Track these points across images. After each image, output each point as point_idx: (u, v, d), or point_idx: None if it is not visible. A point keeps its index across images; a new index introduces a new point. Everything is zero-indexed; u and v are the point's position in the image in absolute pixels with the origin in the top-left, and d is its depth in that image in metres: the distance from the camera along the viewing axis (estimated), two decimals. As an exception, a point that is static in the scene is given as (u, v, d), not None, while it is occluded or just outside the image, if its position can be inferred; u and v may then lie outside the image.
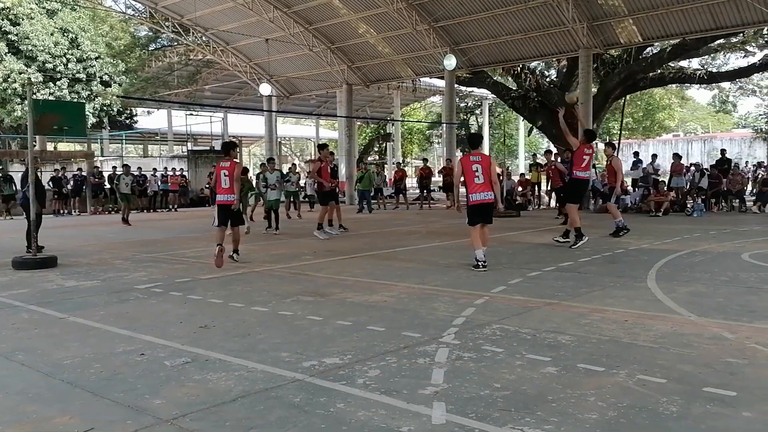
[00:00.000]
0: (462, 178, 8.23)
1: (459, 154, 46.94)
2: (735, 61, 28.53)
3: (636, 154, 22.64)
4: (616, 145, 15.35)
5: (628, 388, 3.60)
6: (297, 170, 21.84)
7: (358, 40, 25.23)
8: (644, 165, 20.12)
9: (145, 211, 23.24)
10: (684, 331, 4.85)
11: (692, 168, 20.62)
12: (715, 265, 8.05)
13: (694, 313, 5.40)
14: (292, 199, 18.82)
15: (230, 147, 9.26)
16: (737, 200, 18.37)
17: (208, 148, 35.42)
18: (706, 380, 3.71)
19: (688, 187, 19.21)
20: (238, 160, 9.39)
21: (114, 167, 25.71)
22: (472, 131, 47.99)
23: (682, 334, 4.74)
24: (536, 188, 22.16)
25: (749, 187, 23.00)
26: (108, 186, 23.90)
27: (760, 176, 21.55)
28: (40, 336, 5.06)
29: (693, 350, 4.33)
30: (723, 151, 20.61)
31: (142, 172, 24.06)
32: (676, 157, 19.76)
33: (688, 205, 17.70)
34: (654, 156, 20.94)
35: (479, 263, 7.97)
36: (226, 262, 8.63)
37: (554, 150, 17.84)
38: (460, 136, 43.47)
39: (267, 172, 14.65)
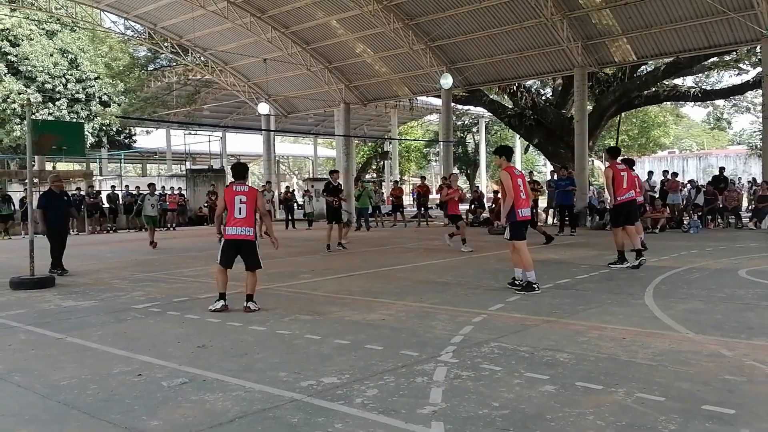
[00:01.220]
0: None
1: (456, 171, 47.11)
2: (729, 78, 28.80)
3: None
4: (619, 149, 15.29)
5: (626, 407, 3.60)
6: (271, 188, 22.64)
7: (356, 59, 25.45)
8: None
9: (142, 230, 23.22)
10: (682, 348, 4.85)
11: (688, 185, 20.71)
12: (713, 282, 8.06)
13: (692, 331, 5.40)
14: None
15: (246, 170, 7.36)
16: (733, 217, 18.43)
17: (206, 167, 35.48)
18: (705, 398, 3.71)
19: (684, 203, 19.28)
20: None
21: (113, 186, 25.76)
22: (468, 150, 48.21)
23: (680, 352, 4.74)
24: (534, 205, 22.19)
25: (745, 204, 23.07)
26: (106, 205, 23.90)
27: (755, 193, 21.63)
28: (37, 357, 5.04)
29: (691, 368, 4.33)
30: (722, 169, 20.70)
31: (140, 191, 24.05)
32: (673, 174, 19.85)
33: (685, 222, 17.75)
34: (650, 173, 21.04)
35: (535, 285, 7.46)
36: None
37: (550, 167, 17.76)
38: (457, 154, 43.68)
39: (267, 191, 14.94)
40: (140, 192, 24.26)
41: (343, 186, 16.24)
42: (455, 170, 32.27)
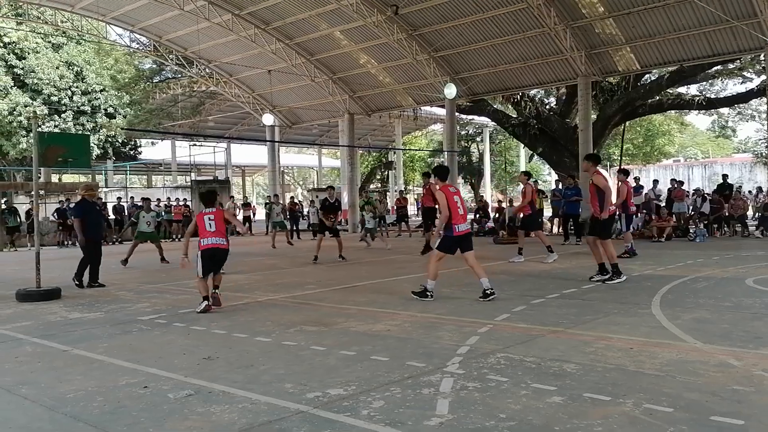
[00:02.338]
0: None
1: (461, 181, 47.15)
2: (733, 87, 28.81)
3: (636, 179, 22.71)
4: (628, 171, 15.26)
5: (635, 418, 3.57)
6: (281, 201, 22.63)
7: (360, 70, 25.55)
8: (646, 191, 20.17)
9: (147, 241, 23.28)
10: (690, 358, 4.82)
11: (693, 193, 20.66)
12: (719, 291, 8.02)
13: (700, 340, 5.37)
14: (278, 229, 19.70)
15: (214, 196, 8.10)
16: (739, 225, 18.36)
17: (211, 178, 35.62)
18: (713, 408, 3.68)
19: (690, 212, 19.22)
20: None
21: (119, 198, 25.82)
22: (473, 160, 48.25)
23: (688, 362, 4.71)
24: (540, 213, 22.15)
25: (751, 212, 23.00)
26: (112, 216, 23.97)
27: (761, 201, 21.58)
28: (44, 369, 5.05)
29: (699, 378, 4.30)
30: (725, 177, 20.66)
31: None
32: (679, 183, 19.80)
33: (691, 231, 17.69)
34: (655, 182, 21.00)
35: (429, 293, 7.90)
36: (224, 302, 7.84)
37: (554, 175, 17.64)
38: (461, 164, 43.74)
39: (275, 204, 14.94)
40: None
41: (342, 200, 16.29)
42: (460, 180, 32.17)
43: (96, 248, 10.37)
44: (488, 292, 7.73)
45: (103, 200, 25.52)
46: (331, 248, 14.18)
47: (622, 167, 17.02)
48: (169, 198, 26.42)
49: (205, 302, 7.50)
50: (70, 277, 10.39)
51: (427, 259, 8.50)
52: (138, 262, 13.62)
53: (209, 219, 7.82)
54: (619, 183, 13.02)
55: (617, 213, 10.91)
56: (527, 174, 13.33)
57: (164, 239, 23.60)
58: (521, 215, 12.87)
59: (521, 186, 13.13)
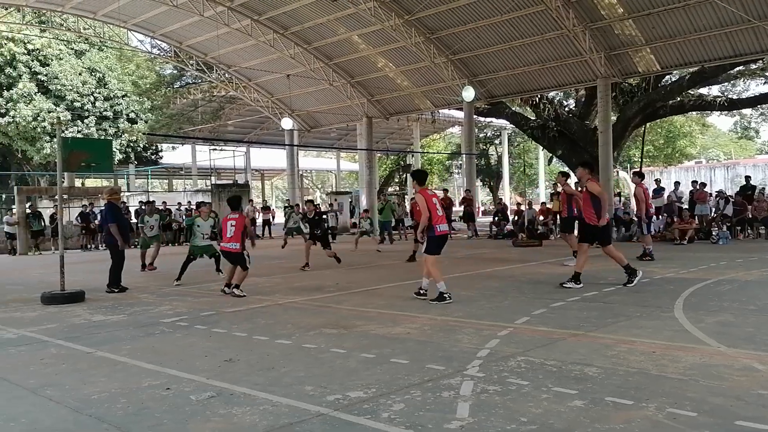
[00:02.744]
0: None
1: (479, 183, 46.96)
2: (756, 87, 28.38)
3: (657, 181, 22.46)
4: (644, 174, 14.99)
5: (658, 422, 3.54)
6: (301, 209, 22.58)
7: (378, 74, 25.61)
8: (668, 193, 19.95)
9: (169, 244, 23.50)
10: (713, 362, 4.76)
11: (716, 195, 20.38)
12: (743, 294, 7.91)
13: (724, 344, 5.30)
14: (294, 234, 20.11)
15: (239, 201, 9.83)
16: (763, 227, 18.07)
17: (231, 181, 35.87)
18: (738, 413, 3.63)
19: (712, 214, 18.96)
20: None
21: (141, 202, 26.11)
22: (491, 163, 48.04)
23: (712, 366, 4.65)
24: (558, 217, 22.02)
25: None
26: (134, 220, 24.22)
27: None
28: (68, 371, 5.12)
29: (723, 382, 4.24)
30: (747, 178, 20.36)
31: (167, 206, 24.42)
32: (701, 185, 19.54)
33: (713, 233, 17.45)
34: (677, 183, 20.76)
35: (446, 295, 7.94)
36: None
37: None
38: (480, 167, 43.61)
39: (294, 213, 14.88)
40: (167, 207, 24.62)
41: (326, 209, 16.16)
42: (478, 183, 32.02)
43: (123, 253, 10.36)
44: (445, 295, 7.88)
45: (126, 204, 25.84)
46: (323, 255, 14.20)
47: (636, 170, 16.80)
48: (189, 202, 26.60)
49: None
50: (94, 280, 10.54)
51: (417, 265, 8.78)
52: (159, 265, 13.74)
53: (231, 225, 9.30)
54: (635, 186, 12.90)
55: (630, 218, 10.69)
56: (565, 174, 12.95)
57: (186, 242, 23.81)
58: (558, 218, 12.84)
59: (559, 187, 12.97)
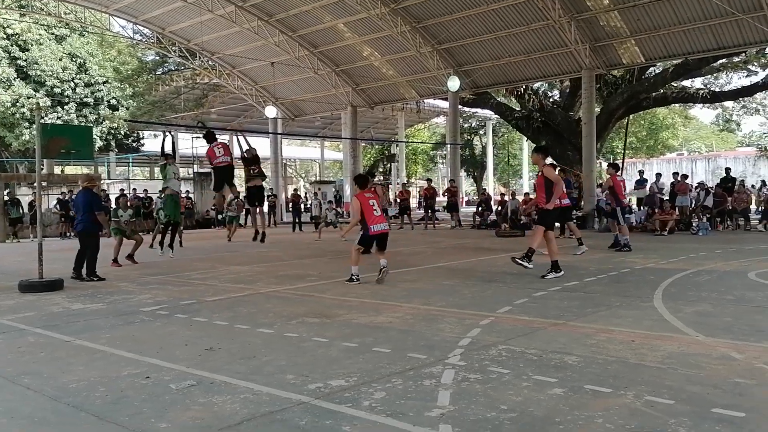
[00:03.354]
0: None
1: (463, 174, 47.01)
2: (738, 80, 28.68)
3: (641, 172, 22.66)
4: (619, 165, 15.16)
5: (636, 410, 3.57)
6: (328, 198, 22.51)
7: (363, 62, 25.49)
8: (649, 184, 20.14)
9: (150, 233, 23.30)
10: (691, 351, 4.82)
11: (697, 187, 20.61)
12: (722, 285, 8.01)
13: (702, 333, 5.37)
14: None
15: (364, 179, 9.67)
16: (742, 219, 18.32)
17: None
18: (715, 401, 3.68)
19: (693, 205, 19.17)
20: None
21: (121, 189, 25.86)
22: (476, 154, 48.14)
23: (690, 354, 4.71)
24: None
25: (754, 206, 22.94)
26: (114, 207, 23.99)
27: (764, 194, 21.53)
28: (46, 359, 5.06)
29: (701, 371, 4.30)
30: (728, 170, 20.61)
31: (148, 194, 24.20)
32: (682, 176, 19.74)
33: (693, 224, 17.65)
34: (658, 175, 20.95)
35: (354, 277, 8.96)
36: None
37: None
38: (464, 157, 43.66)
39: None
40: (148, 195, 24.39)
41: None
42: (462, 173, 31.91)
43: (98, 240, 10.28)
44: (354, 278, 8.91)
45: (107, 192, 25.56)
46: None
47: (612, 162, 17.01)
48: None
49: None
50: (73, 267, 10.39)
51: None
52: (138, 255, 13.61)
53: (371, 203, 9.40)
54: (609, 177, 13.24)
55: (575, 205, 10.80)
56: (554, 166, 13.27)
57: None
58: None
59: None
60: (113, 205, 20.27)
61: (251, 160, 12.59)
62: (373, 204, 8.90)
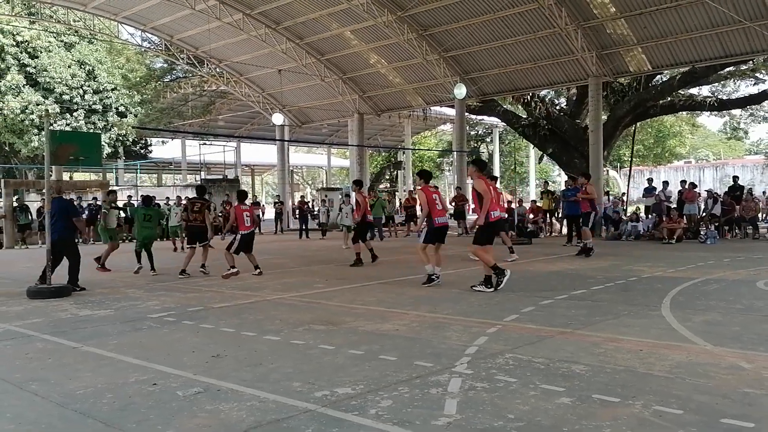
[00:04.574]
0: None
1: (470, 182, 47.01)
2: (746, 88, 28.56)
3: (650, 180, 22.60)
4: (590, 175, 15.57)
5: (644, 420, 3.55)
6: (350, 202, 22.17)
7: (370, 70, 25.56)
8: (656, 192, 20.06)
9: (158, 239, 23.35)
10: (700, 360, 4.79)
11: (705, 195, 20.52)
12: (730, 293, 7.96)
13: (710, 343, 5.33)
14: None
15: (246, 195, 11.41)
16: (750, 227, 18.22)
17: (221, 176, 35.74)
18: (724, 411, 3.65)
19: (700, 214, 19.09)
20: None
21: (129, 196, 25.97)
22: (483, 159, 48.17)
23: (698, 364, 4.68)
24: (548, 215, 22.12)
25: (762, 214, 22.82)
26: (123, 215, 24.05)
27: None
28: (54, 366, 5.08)
29: (709, 380, 4.27)
30: (735, 178, 20.52)
31: (156, 201, 24.28)
32: (690, 185, 19.66)
33: (701, 233, 17.57)
34: (665, 183, 20.88)
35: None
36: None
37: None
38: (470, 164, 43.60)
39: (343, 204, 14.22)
40: (156, 202, 24.44)
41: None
42: (469, 181, 31.95)
43: (76, 248, 10.00)
44: (433, 277, 9.18)
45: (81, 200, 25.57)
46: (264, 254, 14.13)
47: (584, 171, 17.17)
48: (178, 197, 26.46)
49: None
50: (83, 274, 10.40)
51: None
52: (145, 260, 13.64)
53: (246, 215, 10.98)
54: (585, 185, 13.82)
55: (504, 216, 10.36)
56: (494, 178, 13.79)
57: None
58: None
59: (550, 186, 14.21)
60: (121, 213, 20.08)
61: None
62: (436, 198, 9.30)
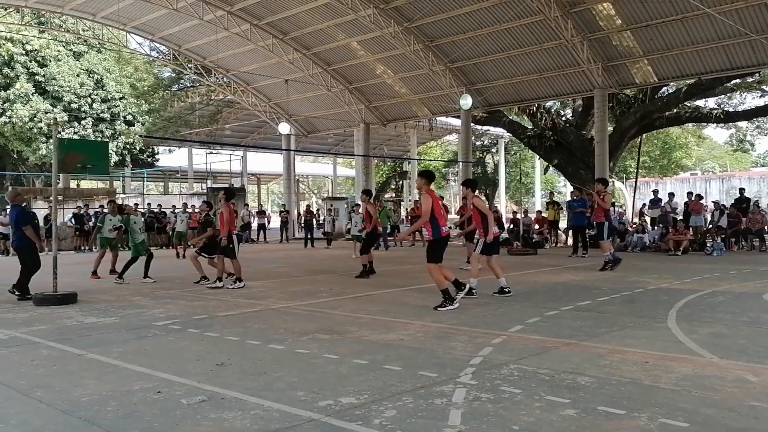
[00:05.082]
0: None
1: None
2: (752, 100, 28.54)
3: (655, 192, 22.54)
4: (606, 181, 14.79)
5: (649, 432, 3.53)
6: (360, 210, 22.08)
7: (376, 80, 25.67)
8: (662, 203, 20.01)
9: (164, 247, 23.44)
10: (706, 373, 4.76)
11: (711, 206, 20.45)
12: (737, 306, 7.92)
13: (716, 355, 5.30)
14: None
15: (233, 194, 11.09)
16: (757, 239, 18.13)
17: (227, 185, 35.85)
18: (730, 424, 3.63)
19: (707, 225, 19.01)
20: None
21: (136, 204, 26.04)
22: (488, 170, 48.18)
23: (705, 377, 4.65)
24: (553, 226, 22.08)
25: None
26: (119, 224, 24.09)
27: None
28: (59, 373, 5.09)
29: (716, 393, 4.24)
30: (741, 190, 20.45)
31: (162, 209, 24.39)
32: (697, 196, 19.61)
33: (708, 244, 17.49)
34: (671, 195, 20.82)
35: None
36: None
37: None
38: (476, 175, 43.64)
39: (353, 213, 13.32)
40: (162, 210, 24.56)
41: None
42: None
43: (38, 258, 9.90)
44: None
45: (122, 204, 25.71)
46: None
47: (599, 177, 16.83)
48: (185, 204, 26.56)
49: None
50: (89, 282, 10.48)
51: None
52: (152, 269, 13.68)
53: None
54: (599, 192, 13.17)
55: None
56: (604, 182, 13.81)
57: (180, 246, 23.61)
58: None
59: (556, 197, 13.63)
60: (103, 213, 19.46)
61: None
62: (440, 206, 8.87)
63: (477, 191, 9.43)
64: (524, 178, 50.44)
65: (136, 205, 23.81)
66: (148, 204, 27.08)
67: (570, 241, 20.23)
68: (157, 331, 6.84)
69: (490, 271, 9.28)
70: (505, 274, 9.31)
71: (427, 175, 8.56)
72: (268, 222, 29.18)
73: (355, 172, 32.87)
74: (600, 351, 5.51)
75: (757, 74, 22.12)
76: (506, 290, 9.01)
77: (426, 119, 29.72)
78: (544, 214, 22.81)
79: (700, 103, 25.90)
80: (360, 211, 15.58)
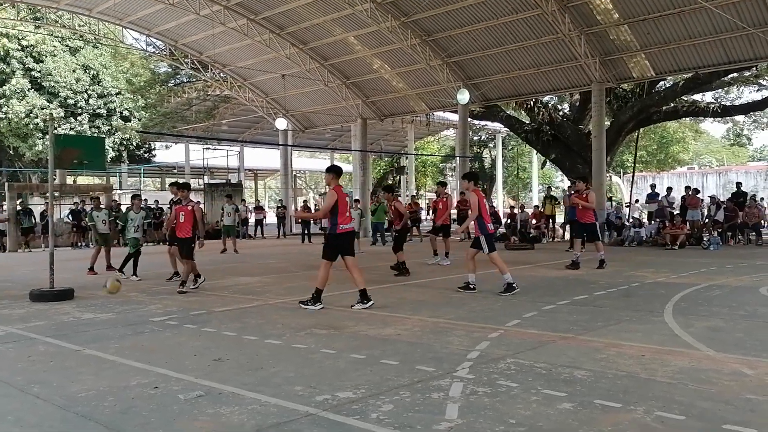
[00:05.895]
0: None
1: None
2: (749, 94, 28.58)
3: (653, 186, 22.57)
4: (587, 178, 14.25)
5: (646, 425, 3.54)
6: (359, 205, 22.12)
7: (373, 75, 25.61)
8: (659, 198, 20.05)
9: (162, 243, 23.39)
10: (702, 366, 4.78)
11: (708, 200, 20.49)
12: (733, 300, 7.94)
13: (713, 349, 5.32)
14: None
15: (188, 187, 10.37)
16: (754, 233, 18.17)
17: (224, 181, 35.80)
18: (726, 417, 3.64)
19: (703, 220, 19.05)
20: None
21: (145, 199, 25.97)
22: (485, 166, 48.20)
23: (701, 370, 4.67)
24: (550, 221, 22.10)
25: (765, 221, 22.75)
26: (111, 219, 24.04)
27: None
28: (56, 368, 5.09)
29: (712, 386, 4.26)
30: (739, 184, 20.48)
31: (159, 205, 24.34)
32: (694, 191, 19.65)
33: (704, 239, 17.53)
34: (669, 189, 20.86)
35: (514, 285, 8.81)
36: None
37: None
38: (473, 170, 43.66)
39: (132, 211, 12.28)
40: (159, 206, 24.52)
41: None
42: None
43: None
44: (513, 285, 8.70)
45: (118, 202, 25.67)
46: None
47: (582, 174, 16.68)
48: (229, 196, 26.37)
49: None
50: (86, 278, 10.47)
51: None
52: (149, 265, 13.68)
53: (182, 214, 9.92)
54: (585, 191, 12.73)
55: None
56: (585, 179, 13.73)
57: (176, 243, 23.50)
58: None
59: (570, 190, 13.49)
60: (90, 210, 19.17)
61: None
62: (486, 203, 9.32)
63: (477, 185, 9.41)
64: (521, 173, 50.46)
65: (146, 200, 23.76)
66: (145, 199, 26.98)
67: (567, 236, 20.27)
68: (155, 326, 6.84)
69: (493, 266, 9.19)
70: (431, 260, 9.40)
71: (472, 176, 9.52)
72: (265, 217, 29.17)
73: (353, 168, 32.83)
74: (597, 345, 5.53)
75: (754, 68, 22.13)
76: (471, 286, 9.10)
77: (423, 114, 29.69)
78: (541, 209, 22.82)
79: (697, 97, 25.91)
80: (387, 206, 16.00)
